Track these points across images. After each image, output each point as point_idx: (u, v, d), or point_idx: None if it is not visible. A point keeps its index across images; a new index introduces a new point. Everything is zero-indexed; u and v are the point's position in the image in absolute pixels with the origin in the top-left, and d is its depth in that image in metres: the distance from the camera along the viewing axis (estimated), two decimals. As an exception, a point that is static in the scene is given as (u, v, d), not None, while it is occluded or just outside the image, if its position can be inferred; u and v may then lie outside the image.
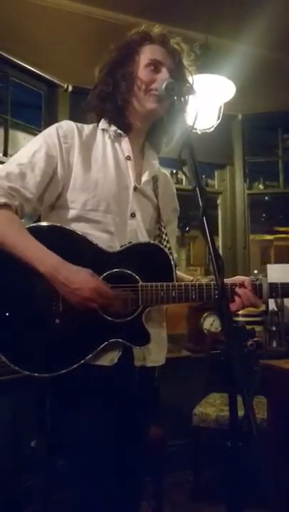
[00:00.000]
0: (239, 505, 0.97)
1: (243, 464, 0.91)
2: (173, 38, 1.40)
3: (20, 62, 2.97)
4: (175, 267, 1.31)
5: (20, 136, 3.28)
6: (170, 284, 1.25)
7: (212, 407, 2.69)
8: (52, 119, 3.23)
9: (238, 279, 1.30)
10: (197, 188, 1.02)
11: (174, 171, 3.31)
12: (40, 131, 3.19)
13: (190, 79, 1.41)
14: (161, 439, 2.25)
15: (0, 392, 2.30)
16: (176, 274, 1.31)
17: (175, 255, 1.51)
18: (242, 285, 1.28)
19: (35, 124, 3.28)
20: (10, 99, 3.04)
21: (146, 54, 1.36)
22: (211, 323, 3.31)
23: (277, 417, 2.11)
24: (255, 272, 4.78)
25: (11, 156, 3.01)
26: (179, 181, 3.62)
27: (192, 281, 1.32)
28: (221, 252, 3.94)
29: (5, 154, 2.98)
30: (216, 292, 1.23)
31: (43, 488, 2.28)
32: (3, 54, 2.87)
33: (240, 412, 0.91)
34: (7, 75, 3.01)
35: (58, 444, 1.28)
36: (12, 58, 2.92)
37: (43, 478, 2.29)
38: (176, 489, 2.75)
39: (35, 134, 3.27)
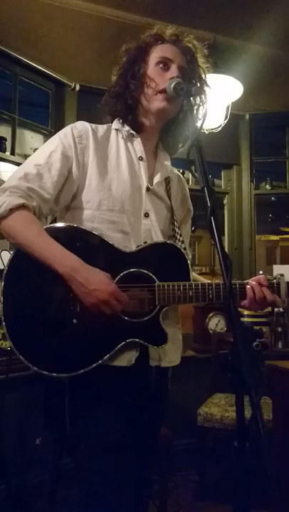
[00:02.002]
0: (245, 506, 0.97)
1: (249, 464, 0.91)
2: (186, 37, 1.40)
3: (28, 61, 2.98)
4: (191, 266, 1.31)
5: (28, 134, 3.29)
6: (187, 283, 1.25)
7: (217, 407, 2.68)
8: (59, 118, 3.24)
9: (255, 278, 1.30)
10: (205, 188, 1.02)
11: (181, 171, 3.31)
12: (47, 130, 3.26)
13: (203, 76, 1.40)
14: (167, 439, 2.25)
15: (6, 390, 2.31)
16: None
17: (190, 255, 1.52)
18: (258, 283, 1.27)
19: (42, 123, 3.29)
20: (18, 98, 3.05)
21: (157, 53, 1.37)
22: (216, 323, 3.31)
23: (283, 417, 2.10)
24: (261, 272, 4.76)
25: (18, 154, 3.05)
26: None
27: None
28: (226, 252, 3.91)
29: (12, 153, 2.99)
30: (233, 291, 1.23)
31: (50, 486, 2.29)
32: (11, 53, 2.87)
33: (247, 413, 0.91)
34: (15, 73, 3.02)
35: (75, 442, 1.27)
36: (20, 57, 2.93)
37: (50, 476, 2.30)
38: (180, 488, 2.75)
39: (42, 133, 3.30)
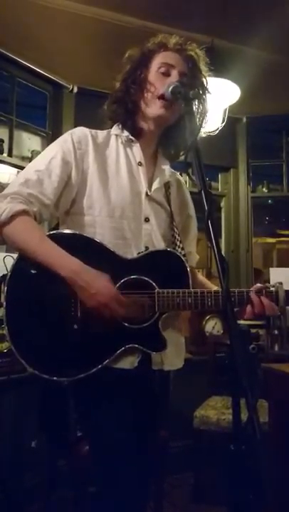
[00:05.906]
0: (240, 509, 0.97)
1: (245, 467, 0.91)
2: (190, 46, 1.41)
3: (26, 63, 2.98)
4: (193, 269, 1.34)
5: (25, 136, 3.28)
6: (186, 290, 1.26)
7: (213, 410, 2.68)
8: (57, 120, 3.24)
9: (254, 287, 1.31)
10: (203, 191, 1.02)
11: (179, 173, 3.31)
12: (45, 132, 3.26)
13: (204, 83, 1.41)
14: (164, 440, 2.24)
15: (2, 392, 2.30)
16: (191, 280, 1.31)
17: (197, 256, 1.55)
18: (257, 292, 1.28)
19: (40, 125, 3.29)
20: (15, 100, 3.05)
21: (159, 59, 1.38)
22: (212, 326, 3.31)
23: (279, 420, 2.10)
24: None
25: (15, 156, 3.05)
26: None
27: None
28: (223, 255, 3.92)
29: (9, 154, 2.99)
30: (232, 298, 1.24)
31: (45, 488, 2.28)
32: (9, 55, 2.88)
33: (243, 416, 0.91)
34: (13, 75, 3.02)
35: (75, 443, 1.28)
36: (18, 59, 2.93)
37: (45, 478, 2.29)
38: (176, 491, 2.75)
39: (40, 135, 3.30)
